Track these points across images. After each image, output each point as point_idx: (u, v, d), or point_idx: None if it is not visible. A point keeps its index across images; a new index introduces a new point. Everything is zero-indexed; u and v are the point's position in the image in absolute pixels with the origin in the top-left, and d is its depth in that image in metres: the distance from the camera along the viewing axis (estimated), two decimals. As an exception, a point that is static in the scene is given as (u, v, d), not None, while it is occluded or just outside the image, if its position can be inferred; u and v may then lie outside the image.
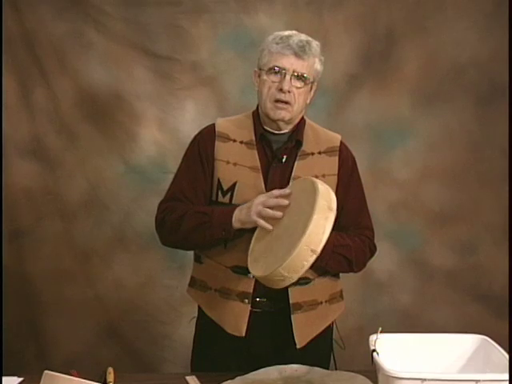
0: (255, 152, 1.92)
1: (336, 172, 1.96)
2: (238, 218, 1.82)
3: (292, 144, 1.93)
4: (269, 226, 1.75)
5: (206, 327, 2.02)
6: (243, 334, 1.90)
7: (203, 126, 2.03)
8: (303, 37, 1.87)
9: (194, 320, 2.10)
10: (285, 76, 1.84)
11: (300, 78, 1.85)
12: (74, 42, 3.06)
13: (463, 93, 3.15)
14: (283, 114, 1.87)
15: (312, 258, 1.63)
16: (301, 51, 1.83)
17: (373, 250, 2.04)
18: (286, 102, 1.85)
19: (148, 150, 3.17)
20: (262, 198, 1.79)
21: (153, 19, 3.07)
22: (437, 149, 3.19)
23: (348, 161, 2.00)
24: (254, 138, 1.94)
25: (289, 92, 1.84)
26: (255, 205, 1.78)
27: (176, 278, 3.13)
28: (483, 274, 3.19)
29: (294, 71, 1.84)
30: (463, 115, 3.16)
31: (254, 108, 2.00)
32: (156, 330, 3.24)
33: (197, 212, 1.88)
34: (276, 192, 1.79)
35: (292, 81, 1.84)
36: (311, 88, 1.92)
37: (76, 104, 3.11)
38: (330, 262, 1.86)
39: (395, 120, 3.18)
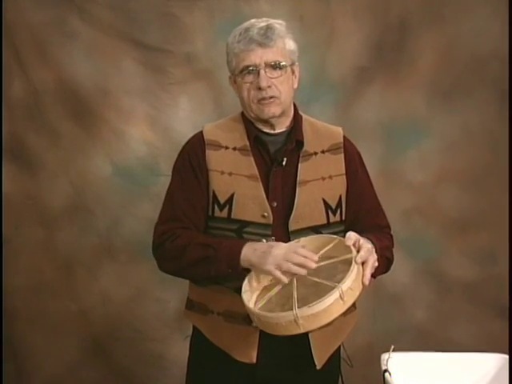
0: (251, 158, 1.89)
1: (343, 172, 1.95)
2: (248, 258, 1.75)
3: (292, 145, 1.91)
4: (285, 279, 1.70)
5: (203, 347, 1.98)
6: (254, 361, 1.88)
7: (198, 124, 2.02)
8: (262, 23, 1.85)
9: (189, 338, 2.08)
10: (259, 73, 1.83)
11: (275, 66, 1.84)
12: (56, 31, 3.07)
13: (484, 87, 3.14)
14: (272, 109, 1.86)
15: None
16: (264, 39, 1.82)
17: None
18: (271, 97, 1.84)
19: (138, 151, 3.17)
20: (282, 250, 1.72)
21: (143, 7, 3.07)
22: (455, 149, 3.19)
23: (355, 158, 1.99)
24: (247, 142, 1.91)
25: (269, 87, 1.83)
26: (274, 256, 1.71)
27: (169, 290, 3.13)
28: (506, 287, 3.18)
29: (265, 63, 1.83)
30: (484, 112, 3.16)
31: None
32: (146, 349, 3.23)
33: (201, 244, 1.83)
34: (303, 251, 1.71)
35: (268, 73, 1.83)
36: (293, 71, 1.91)
37: (58, 100, 3.11)
38: (380, 267, 1.83)
39: (409, 118, 3.18)
